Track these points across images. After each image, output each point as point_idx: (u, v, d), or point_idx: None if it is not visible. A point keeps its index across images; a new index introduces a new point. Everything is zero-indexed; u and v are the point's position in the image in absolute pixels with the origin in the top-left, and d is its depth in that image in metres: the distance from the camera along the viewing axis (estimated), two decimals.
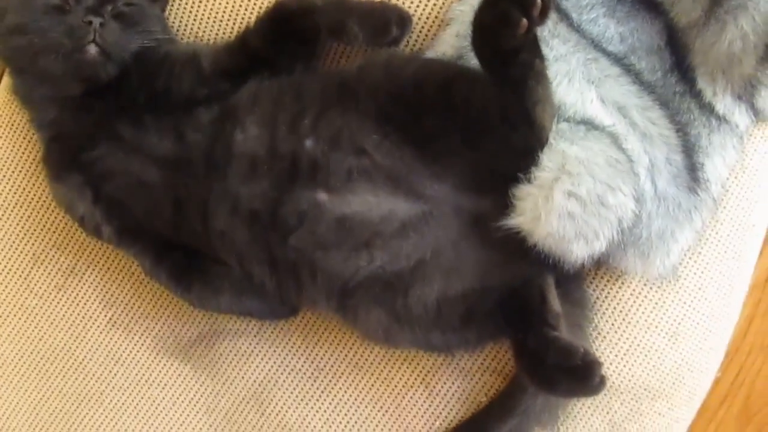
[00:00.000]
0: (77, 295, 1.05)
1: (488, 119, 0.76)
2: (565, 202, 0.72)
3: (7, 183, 1.04)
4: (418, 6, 0.89)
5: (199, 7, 0.97)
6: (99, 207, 0.88)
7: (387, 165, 0.81)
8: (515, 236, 0.79)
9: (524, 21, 0.68)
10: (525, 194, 0.76)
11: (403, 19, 0.87)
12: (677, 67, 0.82)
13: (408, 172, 0.81)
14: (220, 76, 0.88)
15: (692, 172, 0.81)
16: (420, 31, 0.89)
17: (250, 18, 0.93)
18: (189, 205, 0.86)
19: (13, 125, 1.03)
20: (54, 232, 1.04)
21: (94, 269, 1.04)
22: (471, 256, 0.83)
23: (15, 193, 1.04)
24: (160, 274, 0.91)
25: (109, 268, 1.04)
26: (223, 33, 0.96)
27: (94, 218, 0.89)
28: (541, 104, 0.73)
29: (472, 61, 0.80)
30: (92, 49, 0.83)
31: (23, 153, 1.03)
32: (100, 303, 1.04)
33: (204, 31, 0.97)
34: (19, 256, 1.05)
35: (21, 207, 1.04)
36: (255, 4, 0.94)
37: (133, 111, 0.87)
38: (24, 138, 1.02)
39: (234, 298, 0.90)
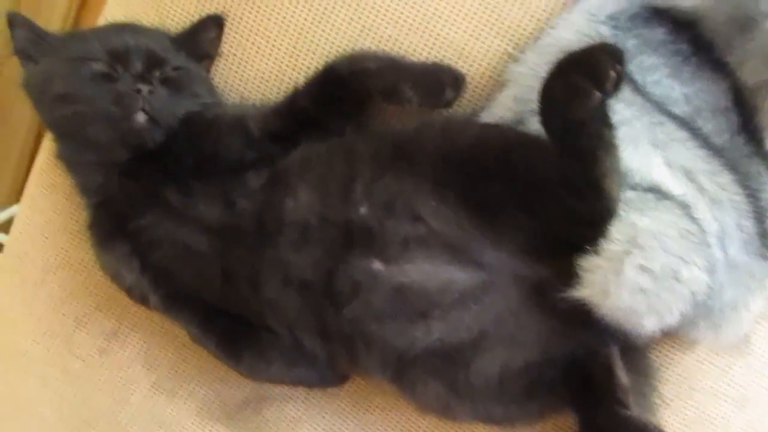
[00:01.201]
0: (120, 358, 1.02)
1: (552, 188, 0.73)
2: (637, 277, 0.69)
3: (50, 245, 1.02)
4: (471, 65, 0.87)
5: (245, 67, 0.95)
6: (146, 276, 0.86)
7: (444, 232, 0.78)
8: (580, 307, 0.75)
9: (597, 94, 0.65)
10: (592, 266, 0.72)
11: (457, 81, 0.85)
12: (744, 129, 0.79)
13: (466, 239, 0.78)
14: (268, 140, 0.86)
15: (764, 238, 0.77)
16: (473, 91, 0.87)
17: (297, 78, 0.91)
18: (239, 274, 0.83)
19: (55, 186, 1.01)
20: (97, 294, 1.02)
21: (137, 332, 1.02)
22: (532, 327, 0.80)
23: (57, 255, 1.02)
24: (209, 343, 0.88)
25: (152, 331, 1.01)
26: (270, 93, 0.94)
27: (141, 287, 0.87)
28: (610, 174, 0.70)
29: (533, 126, 0.77)
30: (140, 117, 0.81)
31: (65, 215, 1.01)
32: (143, 366, 1.02)
33: (250, 92, 0.95)
34: (61, 318, 1.03)
35: (63, 269, 1.02)
36: (302, 63, 0.92)
37: (181, 177, 0.86)
38: (66, 200, 1.00)
39: (284, 367, 0.87)
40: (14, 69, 0.93)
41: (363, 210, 0.79)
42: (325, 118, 0.86)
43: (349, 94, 0.85)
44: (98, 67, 0.83)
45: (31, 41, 0.89)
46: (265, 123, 0.87)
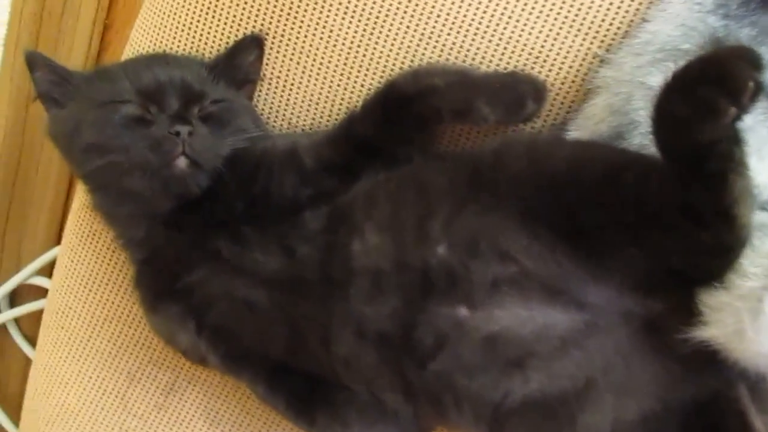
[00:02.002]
0: (178, 414, 0.94)
1: (670, 216, 0.62)
2: None
3: (94, 298, 0.94)
4: (551, 71, 0.75)
5: (291, 90, 0.85)
6: (203, 337, 0.77)
7: (539, 271, 0.67)
8: (703, 348, 0.64)
9: (732, 110, 0.53)
10: (721, 304, 0.61)
11: (538, 91, 0.73)
12: None
13: (564, 277, 0.67)
14: (325, 172, 0.77)
15: None
16: (557, 102, 0.75)
17: (351, 99, 0.81)
18: (306, 329, 0.74)
19: (94, 234, 0.92)
20: (149, 347, 0.94)
21: (195, 385, 0.93)
22: (646, 371, 0.69)
23: (104, 308, 0.94)
24: (277, 403, 0.79)
25: (213, 383, 0.93)
26: (321, 118, 0.84)
27: (198, 349, 0.78)
28: (742, 198, 0.58)
29: (635, 141, 0.65)
30: (182, 163, 0.72)
31: (108, 265, 0.92)
32: (203, 422, 0.94)
33: (299, 118, 0.85)
34: (113, 374, 0.96)
35: (111, 323, 0.94)
36: (356, 82, 0.82)
37: (231, 224, 0.76)
38: (108, 248, 0.91)
39: (363, 428, 0.78)
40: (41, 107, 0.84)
41: (442, 250, 0.69)
42: (388, 145, 0.76)
43: (415, 116, 0.74)
44: (130, 110, 0.74)
45: (53, 83, 0.80)
46: (320, 153, 0.77)
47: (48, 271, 1.30)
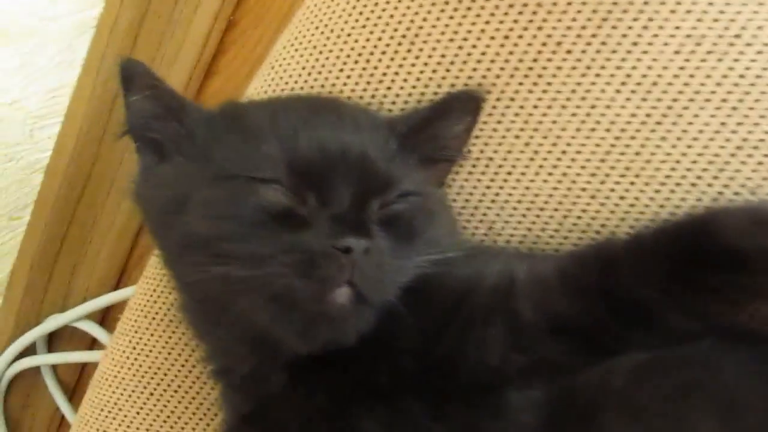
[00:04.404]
0: None
1: None
2: None
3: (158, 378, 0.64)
4: None
5: (499, 182, 0.53)
6: None
7: None
8: None
9: None
10: None
11: None
12: None
13: None
14: (551, 334, 0.47)
15: None
16: None
17: (585, 215, 0.48)
18: None
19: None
20: None
21: None
22: None
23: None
24: None
25: None
26: (536, 232, 0.52)
27: None
28: None
29: None
30: (343, 296, 0.43)
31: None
32: None
33: (505, 224, 0.53)
34: None
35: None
36: (600, 190, 0.49)
37: (390, 392, 0.48)
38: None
39: None
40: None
41: None
42: (665, 309, 0.46)
43: (740, 286, 0.43)
44: (275, 197, 0.44)
45: (157, 117, 0.50)
46: (546, 301, 0.48)
47: (98, 317, 1.01)
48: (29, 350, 1.08)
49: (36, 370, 1.12)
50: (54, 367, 1.12)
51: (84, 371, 1.11)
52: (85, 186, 0.98)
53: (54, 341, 1.11)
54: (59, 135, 0.92)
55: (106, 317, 1.05)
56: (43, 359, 1.08)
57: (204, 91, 0.92)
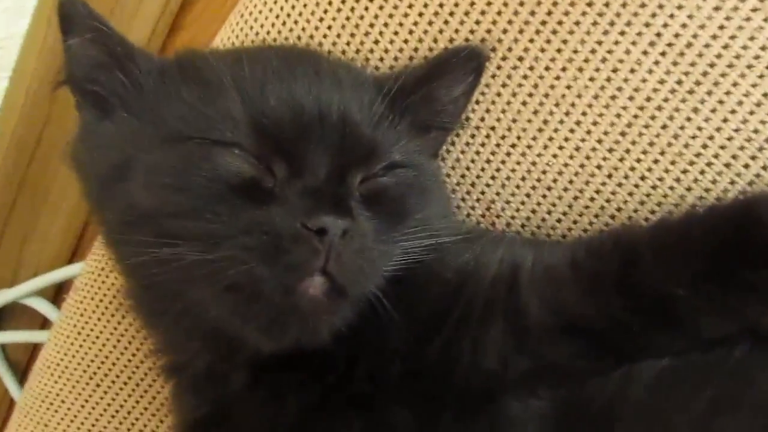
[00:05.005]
0: None
1: None
2: None
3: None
4: None
5: (501, 155, 0.45)
6: None
7: None
8: None
9: None
10: None
11: None
12: None
13: None
14: (563, 334, 0.41)
15: None
16: None
17: (599, 194, 0.41)
18: None
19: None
20: None
21: None
22: None
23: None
24: None
25: None
26: (542, 214, 0.44)
27: None
28: None
29: None
30: (316, 285, 0.36)
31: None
32: None
33: (508, 203, 0.46)
34: None
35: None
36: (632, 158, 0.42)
37: (373, 400, 0.42)
38: None
39: None
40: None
41: None
42: (705, 307, 0.39)
43: None
44: (236, 164, 0.35)
45: (101, 66, 0.41)
46: (560, 298, 0.41)
47: (50, 294, 0.92)
48: None
49: None
50: (3, 347, 1.03)
51: (36, 352, 1.02)
52: (35, 149, 0.88)
53: (2, 318, 1.02)
54: (6, 91, 0.83)
55: (59, 294, 0.96)
56: None
57: (168, 49, 0.83)
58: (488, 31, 0.47)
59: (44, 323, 0.98)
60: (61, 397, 0.64)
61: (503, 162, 0.49)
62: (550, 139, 0.48)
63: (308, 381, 0.42)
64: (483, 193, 0.50)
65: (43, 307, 0.94)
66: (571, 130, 0.47)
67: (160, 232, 0.37)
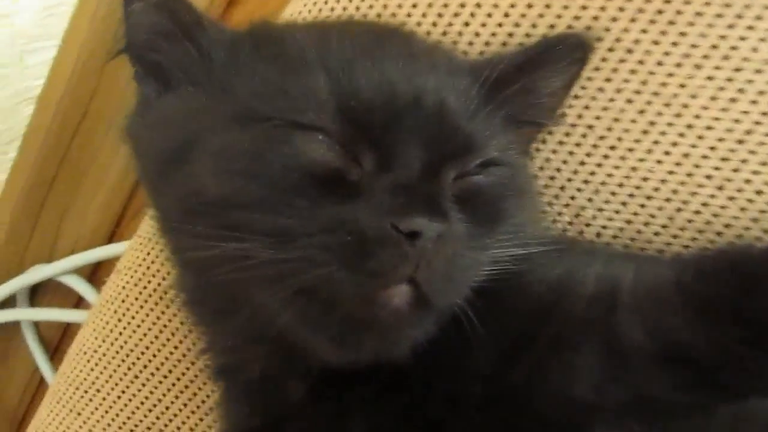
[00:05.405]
0: None
1: None
2: None
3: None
4: None
5: (602, 157, 0.41)
6: None
7: None
8: None
9: None
10: None
11: None
12: None
13: None
14: (666, 362, 0.36)
15: None
16: None
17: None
18: None
19: None
20: None
21: None
22: None
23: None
24: None
25: None
26: (644, 224, 0.40)
27: None
28: None
29: None
30: (400, 296, 0.31)
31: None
32: None
33: (610, 215, 0.41)
34: None
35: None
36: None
37: (440, 426, 0.37)
38: None
39: None
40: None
41: None
42: None
43: None
44: (319, 153, 0.30)
45: (165, 35, 0.37)
46: (662, 319, 0.37)
47: (87, 272, 0.89)
48: (9, 302, 0.97)
49: (15, 325, 1.00)
50: (36, 324, 1.00)
51: (68, 331, 0.99)
52: (80, 122, 0.85)
53: (37, 294, 0.99)
54: (54, 61, 0.79)
55: (96, 273, 0.93)
56: (24, 313, 0.97)
57: (225, 23, 0.78)
58: (595, 18, 0.42)
59: (78, 302, 0.95)
60: (97, 386, 0.60)
61: (599, 165, 0.44)
62: (656, 142, 0.43)
63: (379, 399, 0.37)
64: (573, 198, 0.45)
65: (79, 285, 0.91)
66: (681, 134, 0.42)
67: (226, 224, 0.33)
